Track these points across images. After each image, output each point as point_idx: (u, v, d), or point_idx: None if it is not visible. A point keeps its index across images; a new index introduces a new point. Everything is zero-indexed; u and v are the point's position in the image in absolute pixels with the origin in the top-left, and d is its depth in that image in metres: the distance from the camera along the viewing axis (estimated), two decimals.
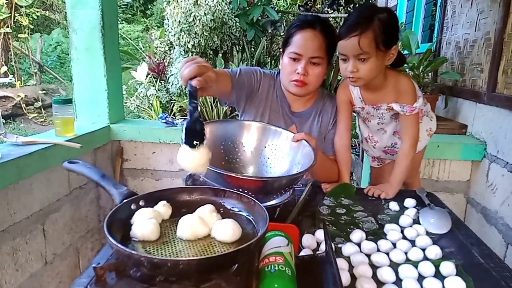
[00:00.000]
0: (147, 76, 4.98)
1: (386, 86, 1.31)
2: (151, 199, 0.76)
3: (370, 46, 1.16)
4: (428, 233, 1.01)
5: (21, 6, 6.34)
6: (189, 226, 0.69)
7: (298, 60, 1.31)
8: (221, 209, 0.80)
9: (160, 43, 5.47)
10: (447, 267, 0.82)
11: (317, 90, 1.47)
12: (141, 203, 0.74)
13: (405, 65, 2.42)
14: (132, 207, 0.73)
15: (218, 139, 1.17)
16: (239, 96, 1.39)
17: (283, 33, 4.95)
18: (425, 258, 0.89)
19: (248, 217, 0.78)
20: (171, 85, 4.84)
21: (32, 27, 7.58)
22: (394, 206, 1.18)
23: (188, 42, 4.79)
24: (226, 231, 0.69)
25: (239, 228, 0.71)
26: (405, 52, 2.89)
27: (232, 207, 0.80)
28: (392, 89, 1.30)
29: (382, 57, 1.20)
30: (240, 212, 0.79)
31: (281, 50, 1.42)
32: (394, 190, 1.29)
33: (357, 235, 0.96)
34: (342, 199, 1.22)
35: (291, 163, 1.16)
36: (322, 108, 1.45)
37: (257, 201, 0.76)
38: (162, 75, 5.13)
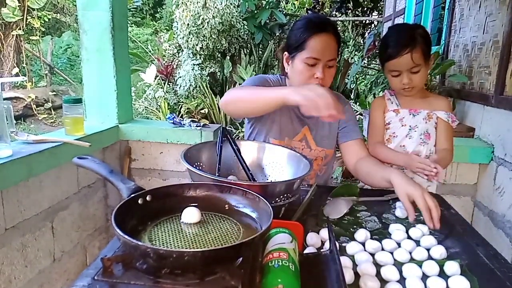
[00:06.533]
0: (155, 78, 5.02)
1: (426, 96, 1.49)
2: (158, 194, 0.78)
3: (421, 59, 1.35)
4: (432, 233, 1.01)
5: (33, 9, 6.42)
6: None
7: (314, 65, 1.29)
8: (226, 206, 0.81)
9: (169, 46, 5.52)
10: (452, 267, 0.82)
11: None
12: (148, 198, 0.76)
13: None
14: (139, 201, 0.75)
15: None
16: None
17: None
18: (430, 257, 0.89)
19: (253, 213, 0.79)
20: (179, 87, 4.88)
21: (43, 29, 7.66)
22: (401, 205, 1.17)
23: (197, 45, 4.83)
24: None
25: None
26: None
27: (237, 204, 0.81)
28: (432, 99, 1.48)
29: (428, 65, 1.40)
30: (245, 208, 0.80)
31: (286, 53, 1.37)
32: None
33: (361, 234, 0.96)
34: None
35: (291, 174, 1.16)
36: None
37: (261, 198, 0.77)
38: (170, 77, 5.17)
